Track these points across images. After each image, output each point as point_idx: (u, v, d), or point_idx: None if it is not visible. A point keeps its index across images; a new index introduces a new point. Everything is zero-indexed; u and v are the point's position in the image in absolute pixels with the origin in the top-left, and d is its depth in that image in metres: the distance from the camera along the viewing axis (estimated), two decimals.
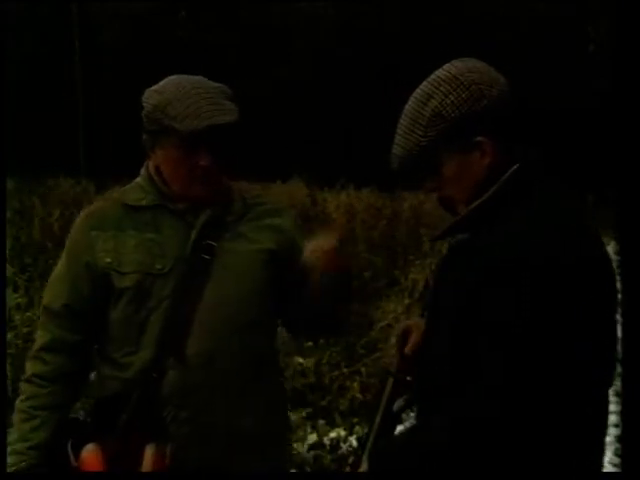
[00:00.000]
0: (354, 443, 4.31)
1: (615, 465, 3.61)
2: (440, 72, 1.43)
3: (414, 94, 1.45)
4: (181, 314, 1.75)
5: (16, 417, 1.77)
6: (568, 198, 1.41)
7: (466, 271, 1.37)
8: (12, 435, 1.77)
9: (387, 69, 20.07)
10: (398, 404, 1.61)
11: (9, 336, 4.69)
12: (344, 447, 4.25)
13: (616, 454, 3.70)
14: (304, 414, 4.64)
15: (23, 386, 1.80)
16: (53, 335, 1.78)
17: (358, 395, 4.83)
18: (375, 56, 20.64)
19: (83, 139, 20.61)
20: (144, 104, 1.76)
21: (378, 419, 1.58)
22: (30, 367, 1.80)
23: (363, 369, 5.16)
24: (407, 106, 1.45)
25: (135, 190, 1.84)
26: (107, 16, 22.71)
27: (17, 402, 1.79)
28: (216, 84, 1.79)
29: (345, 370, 5.17)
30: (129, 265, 1.75)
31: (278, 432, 1.93)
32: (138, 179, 1.87)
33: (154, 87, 1.78)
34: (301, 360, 5.41)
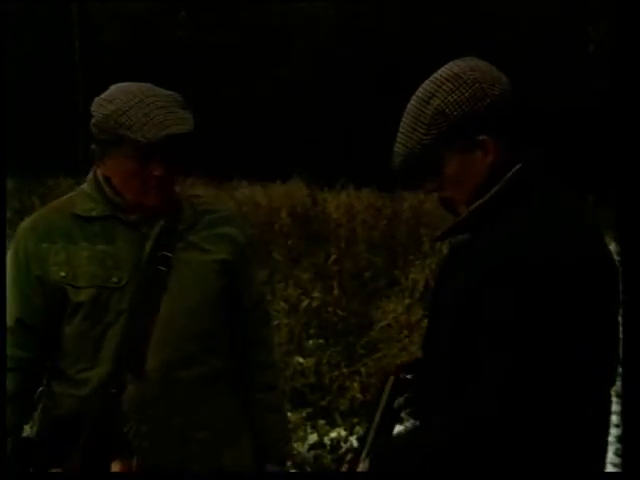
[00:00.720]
0: (354, 443, 4.31)
1: (615, 465, 3.60)
2: (442, 71, 1.43)
3: (416, 93, 1.45)
4: (139, 328, 1.72)
5: None
6: (569, 198, 1.41)
7: (467, 271, 1.37)
8: None
9: (387, 69, 20.05)
10: (398, 402, 1.61)
11: None
12: (344, 447, 4.25)
13: (617, 454, 3.70)
14: (304, 414, 4.64)
15: None
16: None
17: (358, 395, 4.82)
18: (375, 56, 20.62)
19: (83, 139, 20.59)
20: (93, 113, 1.71)
21: (378, 417, 1.58)
22: None
23: (363, 369, 5.16)
24: (409, 105, 1.45)
25: (83, 200, 1.78)
26: (107, 16, 22.69)
27: None
28: (168, 92, 1.75)
29: (345, 370, 5.17)
30: (84, 279, 1.71)
31: (237, 439, 1.90)
32: (84, 187, 1.82)
33: (103, 96, 1.73)
34: (301, 360, 5.41)
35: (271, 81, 21.72)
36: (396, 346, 5.48)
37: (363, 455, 1.49)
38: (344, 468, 1.57)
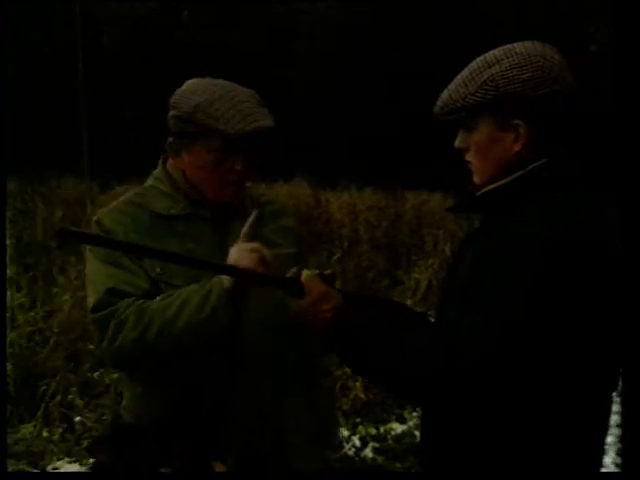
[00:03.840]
0: (357, 443, 4.31)
1: (618, 465, 3.60)
2: (519, 44, 1.44)
3: (488, 53, 1.46)
4: (230, 325, 1.70)
5: None
6: (591, 198, 1.41)
7: (476, 254, 1.39)
8: None
9: (389, 70, 20.04)
10: None
11: (12, 336, 4.70)
12: (347, 447, 4.26)
13: (619, 454, 3.70)
14: None
15: None
16: None
17: (361, 395, 4.83)
18: (377, 57, 20.61)
19: (86, 139, 20.61)
20: (178, 105, 1.71)
21: None
22: None
23: None
24: (475, 60, 1.47)
25: (159, 197, 1.77)
26: (109, 16, 22.73)
27: None
28: (245, 88, 1.76)
29: (348, 370, 5.17)
30: (179, 278, 1.69)
31: (324, 430, 1.93)
32: (153, 183, 1.80)
33: (184, 89, 1.73)
34: None
35: (273, 82, 21.73)
36: None
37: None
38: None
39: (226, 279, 1.60)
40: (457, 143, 1.49)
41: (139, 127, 20.28)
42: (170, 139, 1.75)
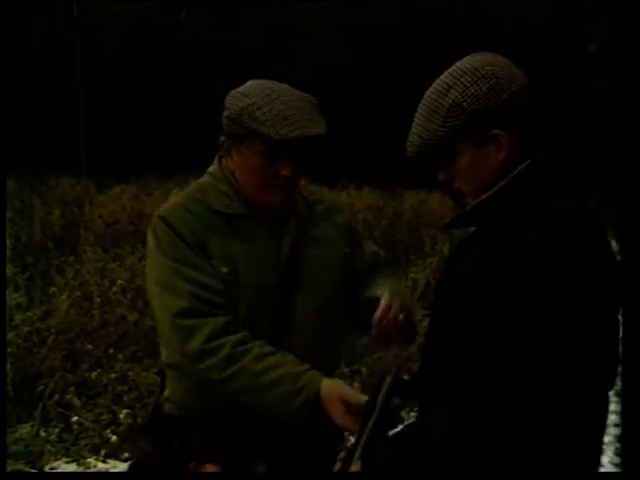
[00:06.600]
0: None
1: (616, 465, 3.59)
2: (461, 64, 1.43)
3: (434, 84, 1.45)
4: (283, 325, 1.70)
5: None
6: (576, 198, 1.41)
7: (468, 263, 1.38)
8: None
9: (388, 70, 20.05)
10: (394, 403, 1.60)
11: (10, 336, 4.69)
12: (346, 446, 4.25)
13: (617, 454, 3.69)
14: None
15: None
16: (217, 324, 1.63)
17: None
18: (377, 57, 20.63)
19: (84, 138, 20.58)
20: (228, 106, 1.70)
21: (374, 417, 1.57)
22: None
23: (363, 369, 5.15)
24: (426, 96, 1.45)
25: (217, 195, 1.75)
26: (110, 15, 22.73)
27: None
28: (304, 94, 1.73)
29: (346, 370, 5.16)
30: (242, 277, 1.68)
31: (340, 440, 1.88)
32: (211, 181, 1.78)
33: (239, 89, 1.71)
34: None
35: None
36: (397, 346, 5.47)
37: (357, 455, 1.48)
38: (337, 467, 1.54)
39: (324, 381, 1.60)
40: (441, 177, 1.48)
41: (137, 127, 20.28)
42: (222, 138, 1.75)
